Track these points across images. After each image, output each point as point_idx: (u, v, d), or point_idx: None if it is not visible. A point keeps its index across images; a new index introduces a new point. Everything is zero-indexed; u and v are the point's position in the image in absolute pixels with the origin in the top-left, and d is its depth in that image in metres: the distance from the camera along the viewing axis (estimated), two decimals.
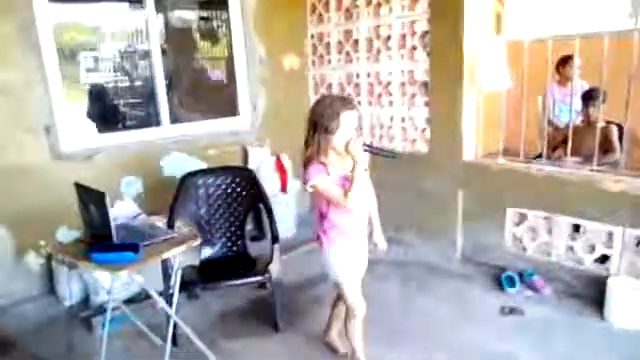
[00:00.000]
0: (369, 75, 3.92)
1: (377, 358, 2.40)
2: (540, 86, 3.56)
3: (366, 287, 2.24)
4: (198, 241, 2.31)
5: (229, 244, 3.04)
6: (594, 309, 2.81)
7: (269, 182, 3.90)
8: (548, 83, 3.46)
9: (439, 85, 3.47)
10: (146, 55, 3.94)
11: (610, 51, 2.76)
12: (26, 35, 2.98)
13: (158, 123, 3.76)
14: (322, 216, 2.10)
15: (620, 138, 3.35)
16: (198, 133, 3.88)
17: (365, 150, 1.98)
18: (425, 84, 3.56)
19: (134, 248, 2.02)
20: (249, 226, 3.69)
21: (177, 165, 3.63)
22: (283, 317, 2.79)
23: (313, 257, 2.51)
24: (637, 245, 2.76)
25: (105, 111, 5.22)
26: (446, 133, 3.49)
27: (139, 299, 2.96)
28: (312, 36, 4.28)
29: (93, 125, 3.96)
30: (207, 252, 2.96)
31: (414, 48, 3.56)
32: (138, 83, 5.54)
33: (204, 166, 3.63)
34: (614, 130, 3.50)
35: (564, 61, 3.98)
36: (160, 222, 2.71)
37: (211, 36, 5.41)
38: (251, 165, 3.99)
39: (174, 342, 2.46)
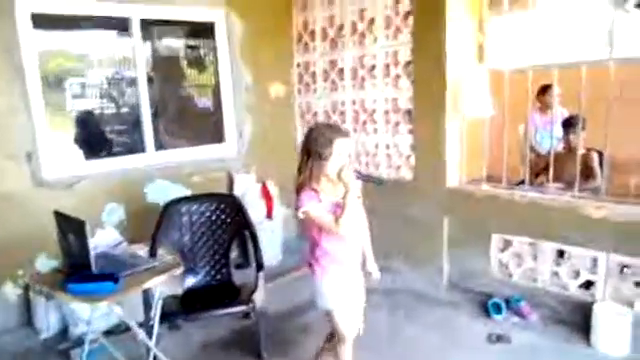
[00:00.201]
0: (354, 103, 3.97)
1: None
2: (521, 114, 3.62)
3: None
4: (180, 269, 2.27)
5: (213, 272, 2.99)
6: (580, 335, 2.81)
7: (255, 208, 3.88)
8: (529, 111, 3.53)
9: (423, 112, 3.52)
10: (133, 82, 3.95)
11: (588, 80, 2.85)
12: (10, 62, 2.98)
13: (143, 150, 3.75)
14: (314, 244, 2.08)
15: (601, 164, 3.41)
16: (183, 160, 3.87)
17: (357, 177, 1.99)
18: (409, 112, 3.61)
19: (114, 278, 1.98)
20: (234, 253, 3.65)
21: (161, 192, 3.60)
22: (268, 347, 2.74)
23: (300, 284, 2.48)
24: (621, 271, 2.77)
25: (91, 137, 5.18)
26: (430, 160, 3.52)
27: (119, 330, 2.89)
28: (298, 65, 4.34)
29: (80, 152, 3.93)
30: (190, 281, 2.91)
31: (398, 77, 3.62)
32: (124, 110, 5.52)
33: (188, 193, 3.61)
34: (595, 157, 3.55)
35: (544, 89, 4.06)
36: (142, 250, 2.67)
37: (198, 64, 5.44)
38: (237, 192, 3.97)
39: None
